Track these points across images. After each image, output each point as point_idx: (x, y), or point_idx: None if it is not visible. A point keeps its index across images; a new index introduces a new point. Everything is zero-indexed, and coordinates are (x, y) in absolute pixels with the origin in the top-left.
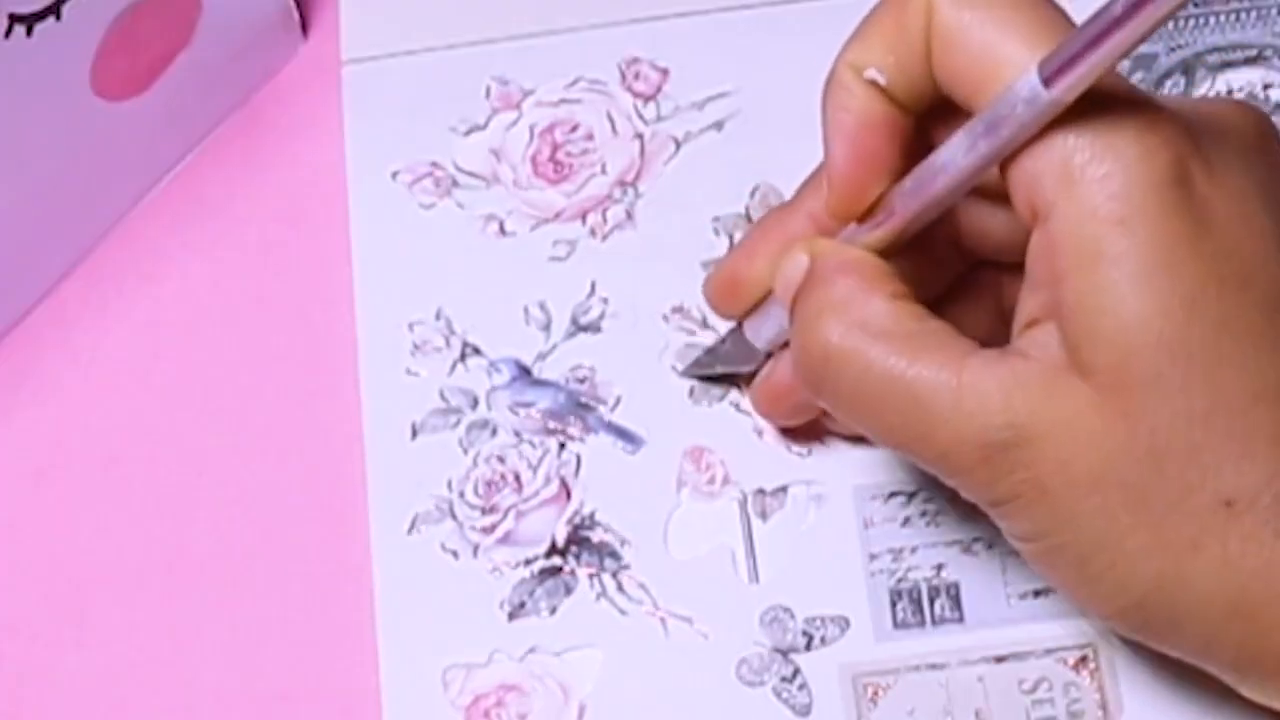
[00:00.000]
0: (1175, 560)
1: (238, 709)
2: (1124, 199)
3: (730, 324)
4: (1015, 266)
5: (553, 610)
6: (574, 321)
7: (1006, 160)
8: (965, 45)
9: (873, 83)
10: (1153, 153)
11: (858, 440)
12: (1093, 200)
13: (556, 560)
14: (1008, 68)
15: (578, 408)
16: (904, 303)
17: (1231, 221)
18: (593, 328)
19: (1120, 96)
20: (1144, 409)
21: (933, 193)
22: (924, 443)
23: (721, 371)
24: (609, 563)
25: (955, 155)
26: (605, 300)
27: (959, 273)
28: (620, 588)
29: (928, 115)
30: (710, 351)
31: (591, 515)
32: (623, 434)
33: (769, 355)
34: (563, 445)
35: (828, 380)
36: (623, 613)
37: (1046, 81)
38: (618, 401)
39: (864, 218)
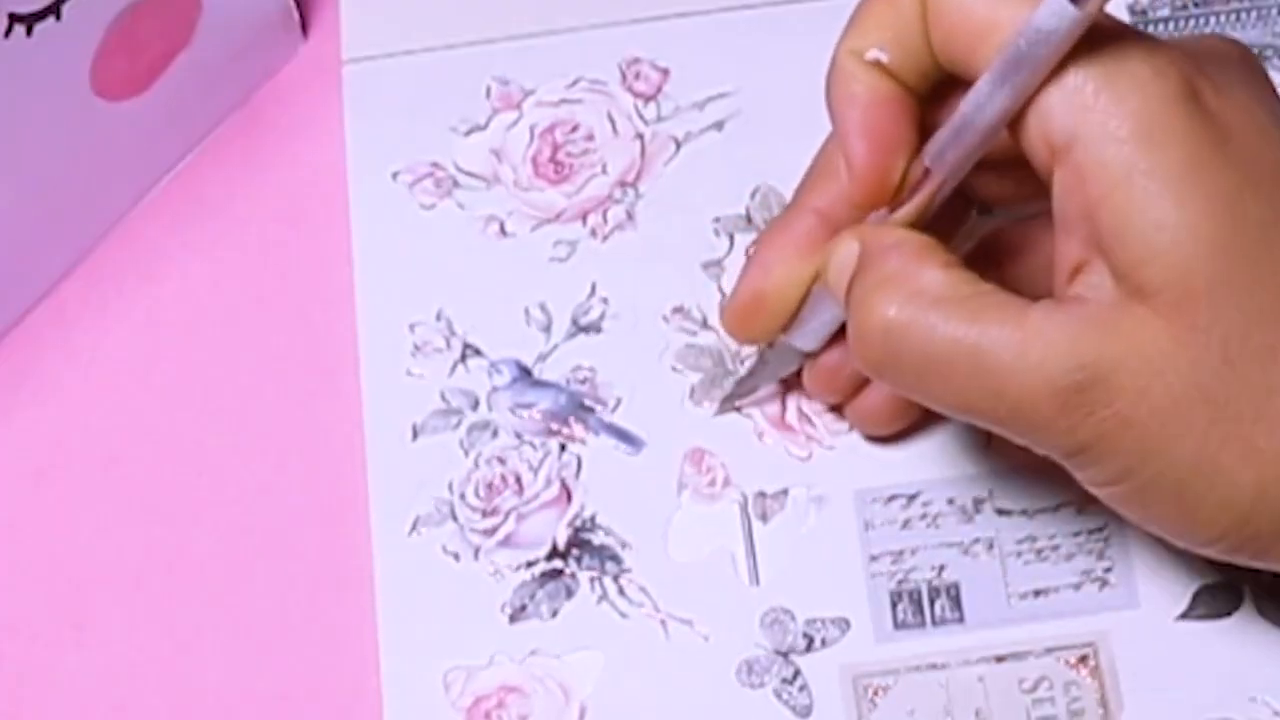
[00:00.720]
0: (1273, 464)
1: (238, 710)
2: (1144, 115)
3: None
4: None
5: (554, 613)
6: (574, 322)
7: (1017, 114)
8: (959, 10)
9: (876, 63)
10: (1162, 72)
11: (883, 441)
12: (1113, 122)
13: (558, 563)
14: (1006, 25)
15: (579, 409)
16: (956, 270)
17: (1247, 132)
18: (593, 328)
19: (1119, 32)
20: (1212, 318)
21: (967, 143)
22: (995, 401)
23: (762, 395)
24: (610, 566)
25: (983, 101)
26: (606, 301)
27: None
28: (621, 591)
29: (928, 97)
30: (745, 379)
31: (592, 518)
32: (623, 436)
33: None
34: (564, 447)
35: (890, 355)
36: (623, 615)
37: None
38: (618, 403)
39: (892, 203)
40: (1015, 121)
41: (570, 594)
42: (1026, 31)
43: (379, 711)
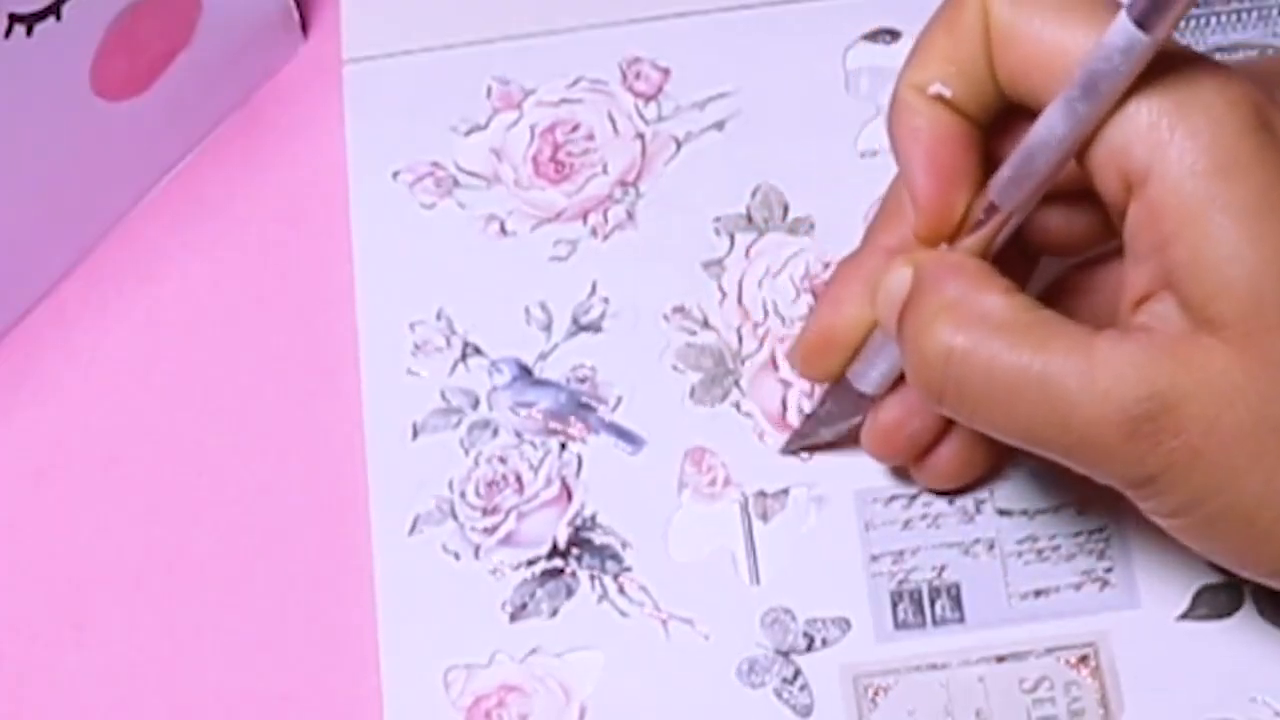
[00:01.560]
0: None
1: (238, 710)
2: (1219, 150)
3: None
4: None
5: (554, 612)
6: (575, 321)
7: (1085, 145)
8: (1026, 38)
9: (938, 97)
10: (1236, 104)
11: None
12: (1189, 157)
13: (558, 562)
14: (1073, 53)
15: (579, 408)
16: (1017, 295)
17: None
18: (593, 327)
19: (1188, 59)
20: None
21: (1035, 175)
22: (1061, 430)
23: (827, 439)
24: (610, 565)
25: (1053, 128)
26: (606, 300)
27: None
28: (621, 590)
29: (991, 129)
30: (810, 418)
31: (593, 517)
32: (624, 434)
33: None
34: (564, 446)
35: (951, 384)
36: (624, 615)
37: (1141, 25)
38: (619, 402)
39: (953, 237)
40: (1083, 153)
41: (570, 593)
42: (1095, 59)
43: (379, 711)
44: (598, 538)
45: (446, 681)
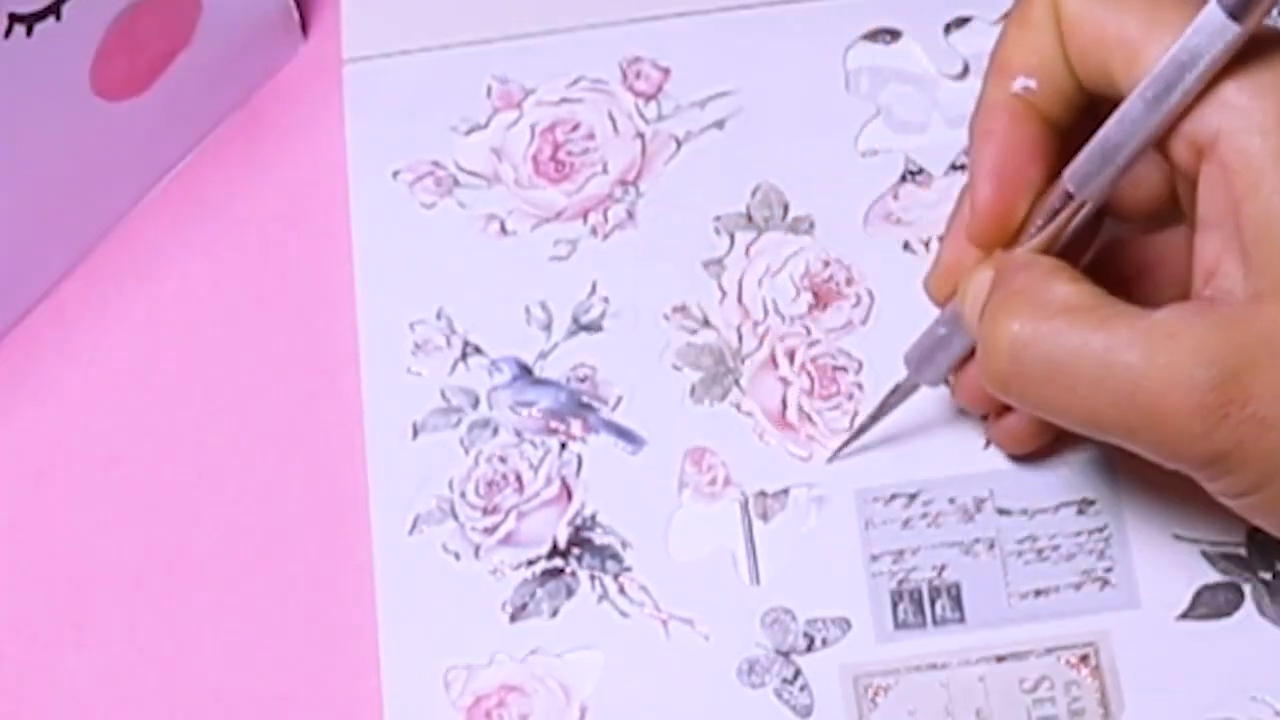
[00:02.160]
0: None
1: (238, 710)
2: None
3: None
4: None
5: (554, 612)
6: (575, 321)
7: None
8: (1102, 28)
9: (1025, 92)
10: None
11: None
12: (1259, 117)
13: (558, 562)
14: (1154, 40)
15: (579, 407)
16: (1084, 284)
17: None
18: (594, 327)
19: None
20: None
21: (1115, 165)
22: (1126, 408)
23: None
24: (610, 565)
25: (1134, 121)
26: (606, 300)
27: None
28: (622, 590)
29: (1068, 127)
30: (862, 429)
31: (593, 517)
32: (623, 434)
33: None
34: (564, 445)
35: (1015, 369)
36: (624, 615)
37: (1234, 16)
38: (619, 401)
39: (1010, 242)
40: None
41: (571, 593)
42: (1183, 49)
43: (379, 711)
44: (598, 537)
45: (447, 681)
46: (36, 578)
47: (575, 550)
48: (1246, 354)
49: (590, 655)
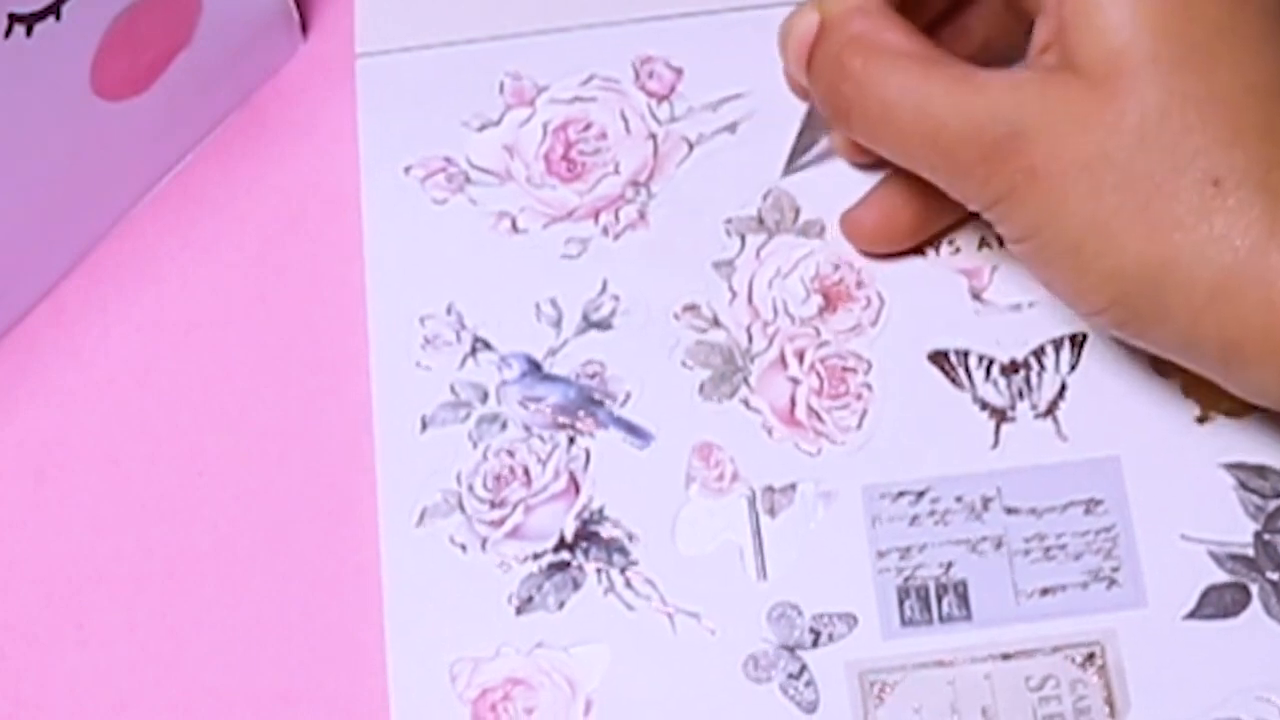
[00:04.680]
0: (1162, 240)
1: (243, 703)
2: None
3: None
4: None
5: (560, 605)
6: (585, 318)
7: None
8: None
9: None
10: None
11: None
12: None
13: (565, 555)
14: None
15: (588, 403)
16: (916, 35)
17: None
18: (604, 324)
19: None
20: (1133, 90)
21: None
22: (931, 147)
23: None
24: (617, 558)
25: None
26: (616, 298)
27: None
28: (628, 584)
29: None
30: (799, 138)
31: (600, 510)
32: (632, 429)
33: None
34: (572, 440)
35: (854, 105)
36: (630, 608)
37: None
38: (627, 397)
39: None
40: None
41: (577, 586)
42: None
43: (385, 703)
44: (605, 531)
45: (453, 674)
46: (36, 577)
47: (582, 544)
48: (1035, 113)
49: (596, 649)
